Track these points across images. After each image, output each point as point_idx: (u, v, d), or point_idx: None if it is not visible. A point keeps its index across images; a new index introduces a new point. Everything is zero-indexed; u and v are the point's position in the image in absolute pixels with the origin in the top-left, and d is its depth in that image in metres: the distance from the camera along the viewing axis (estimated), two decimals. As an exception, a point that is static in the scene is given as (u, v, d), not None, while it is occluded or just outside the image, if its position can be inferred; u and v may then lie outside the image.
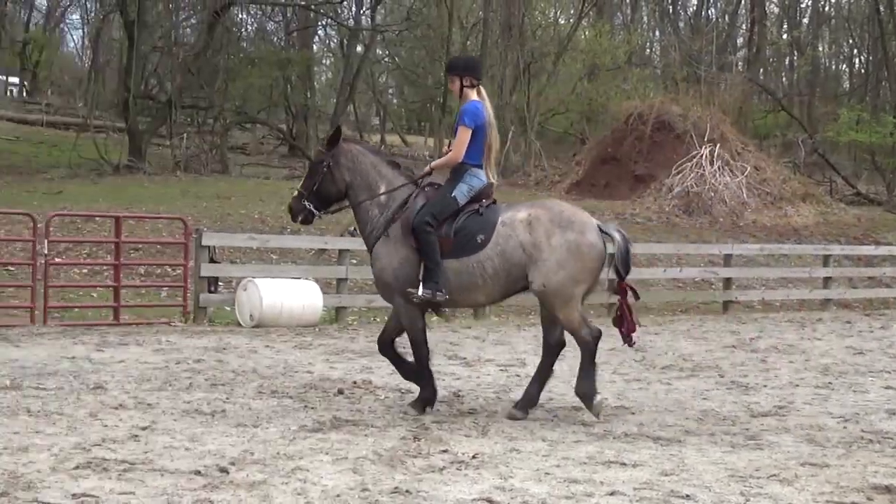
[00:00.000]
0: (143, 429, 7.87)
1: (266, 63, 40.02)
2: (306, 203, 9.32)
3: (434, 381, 9.23)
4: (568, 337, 9.14)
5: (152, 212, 22.04)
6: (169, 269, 18.80)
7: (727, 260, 21.31)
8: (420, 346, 9.15)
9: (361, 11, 47.76)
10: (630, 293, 9.05)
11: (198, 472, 6.56)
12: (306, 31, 44.84)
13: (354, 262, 17.26)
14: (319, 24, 47.06)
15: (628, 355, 13.20)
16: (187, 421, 8.28)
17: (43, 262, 15.22)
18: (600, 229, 8.94)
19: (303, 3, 41.82)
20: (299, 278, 16.45)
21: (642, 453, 7.63)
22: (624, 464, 7.27)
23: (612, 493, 6.45)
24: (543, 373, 9.12)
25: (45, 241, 15.28)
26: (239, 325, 15.44)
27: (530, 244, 8.79)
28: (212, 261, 15.98)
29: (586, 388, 8.89)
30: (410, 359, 9.33)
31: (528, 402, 9.05)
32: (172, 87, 35.95)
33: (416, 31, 48.04)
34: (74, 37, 66.67)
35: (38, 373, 10.39)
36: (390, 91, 65.53)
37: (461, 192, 9.03)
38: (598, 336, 8.90)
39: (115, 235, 16.42)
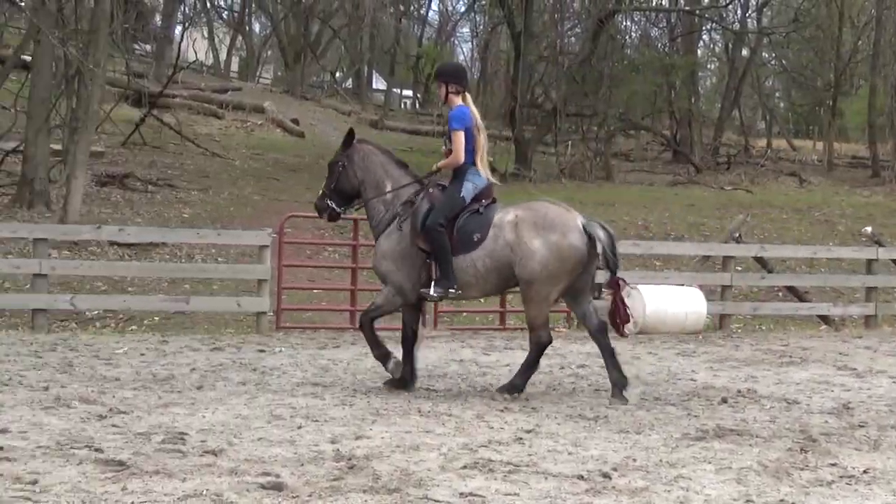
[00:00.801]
0: (528, 432, 8.03)
1: (650, 69, 39.86)
2: (329, 202, 10.17)
3: (380, 342, 9.97)
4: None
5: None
6: (553, 275, 19.03)
7: None
8: (369, 317, 9.96)
9: (747, 14, 46.69)
10: (622, 286, 9.70)
11: (580, 477, 6.61)
12: (691, 35, 44.28)
13: (739, 269, 16.87)
14: (704, 28, 46.39)
15: None
16: (570, 425, 8.37)
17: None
18: (585, 229, 9.55)
19: (687, 8, 41.38)
20: (683, 285, 16.27)
21: None
22: None
23: None
24: (608, 354, 9.72)
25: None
26: (621, 331, 15.45)
27: (515, 244, 9.50)
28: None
29: (518, 382, 9.64)
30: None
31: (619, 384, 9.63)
32: (557, 95, 36.55)
33: (805, 32, 46.32)
34: (464, 49, 69.25)
35: (429, 374, 10.83)
36: (777, 94, 63.62)
37: (467, 191, 9.79)
38: (548, 342, 9.68)
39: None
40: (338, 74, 64.86)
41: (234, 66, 65.50)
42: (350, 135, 10.31)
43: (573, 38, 40.98)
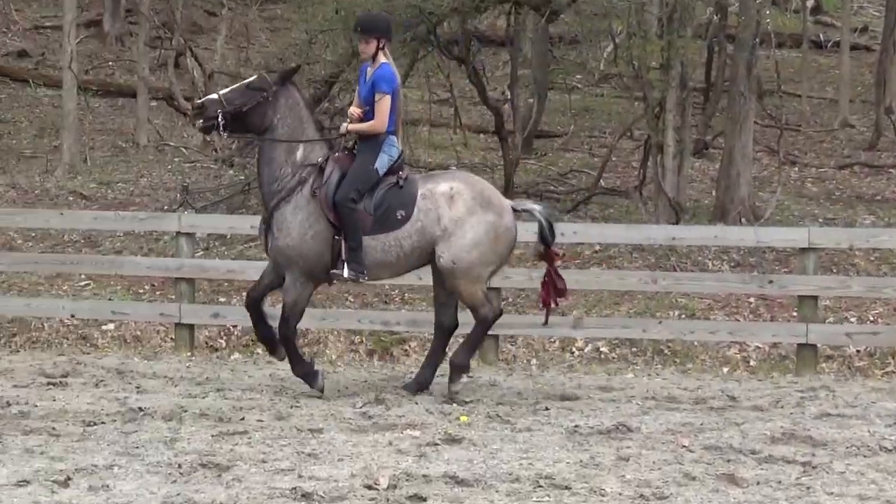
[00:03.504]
0: None
1: None
2: (220, 114, 10.95)
3: (303, 357, 11.39)
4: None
5: None
6: None
7: None
8: (291, 325, 11.20)
9: None
10: (558, 259, 11.34)
11: None
12: None
13: None
14: None
15: None
16: None
17: None
18: (514, 210, 11.15)
19: None
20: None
21: None
22: None
23: None
24: (435, 356, 11.46)
25: None
26: None
27: (449, 219, 10.88)
28: None
29: (462, 359, 11.21)
30: (273, 323, 11.32)
31: (420, 386, 11.34)
32: None
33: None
34: None
35: None
36: None
37: (382, 163, 11.02)
38: (498, 315, 11.41)
39: None
40: None
41: None
42: (292, 72, 11.49)
43: None
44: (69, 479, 8.10)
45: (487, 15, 24.60)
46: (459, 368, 11.27)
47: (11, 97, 30.39)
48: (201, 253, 16.76)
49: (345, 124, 11.41)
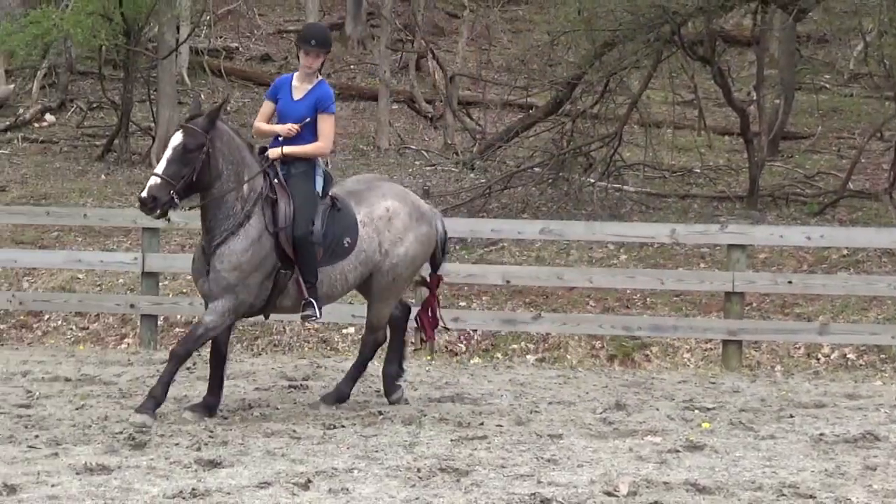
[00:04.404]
0: None
1: None
2: (174, 194, 10.20)
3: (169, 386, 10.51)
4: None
5: None
6: None
7: None
8: (197, 346, 10.63)
9: None
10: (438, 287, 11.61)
11: None
12: None
13: None
14: None
15: None
16: None
17: None
18: None
19: None
20: None
21: None
22: None
23: None
24: (400, 348, 11.51)
25: None
26: None
27: (389, 241, 10.93)
28: None
29: (346, 390, 11.23)
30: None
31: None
32: None
33: None
34: None
35: None
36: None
37: (319, 186, 10.73)
38: (384, 341, 11.40)
39: None
40: None
41: None
42: (218, 110, 10.56)
43: None
44: (309, 481, 8.35)
45: (733, 14, 24.37)
46: (341, 398, 11.19)
47: (255, 101, 31.20)
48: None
49: (276, 149, 10.79)
